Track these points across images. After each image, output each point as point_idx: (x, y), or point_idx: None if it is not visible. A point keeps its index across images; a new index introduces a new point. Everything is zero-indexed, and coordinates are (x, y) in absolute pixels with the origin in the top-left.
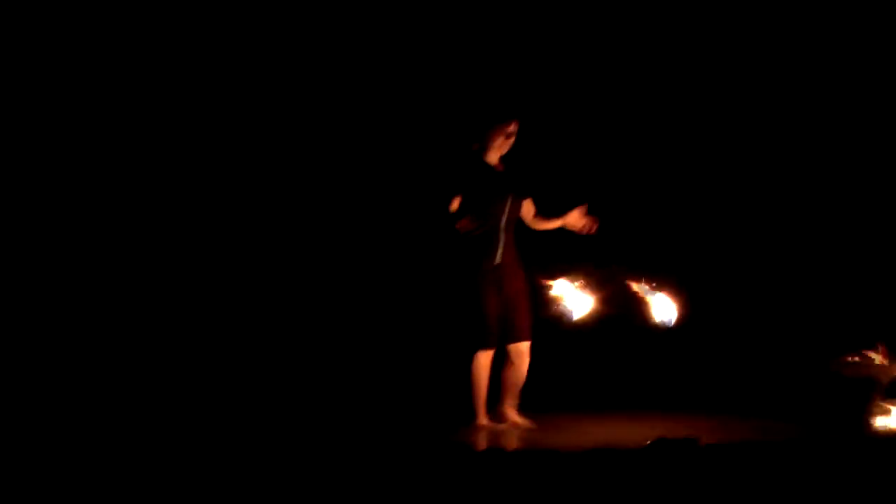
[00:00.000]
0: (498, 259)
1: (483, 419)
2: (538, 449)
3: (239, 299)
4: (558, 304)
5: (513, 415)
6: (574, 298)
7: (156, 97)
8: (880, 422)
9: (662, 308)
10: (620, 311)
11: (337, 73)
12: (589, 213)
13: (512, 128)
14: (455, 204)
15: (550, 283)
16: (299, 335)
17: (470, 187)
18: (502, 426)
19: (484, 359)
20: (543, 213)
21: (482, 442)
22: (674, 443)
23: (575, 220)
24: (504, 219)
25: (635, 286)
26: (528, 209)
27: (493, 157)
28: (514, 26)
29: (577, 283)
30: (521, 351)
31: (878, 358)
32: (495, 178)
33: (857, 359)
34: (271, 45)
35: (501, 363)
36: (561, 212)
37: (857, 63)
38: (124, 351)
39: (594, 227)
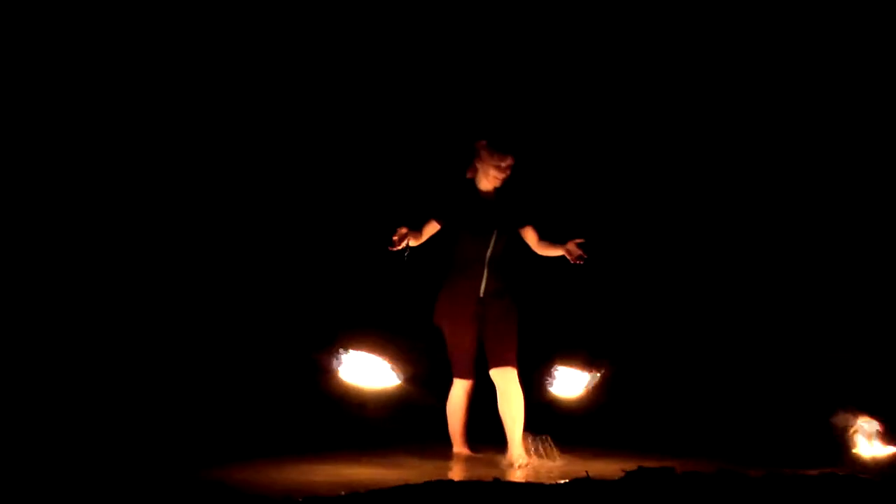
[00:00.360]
0: (481, 292)
1: (460, 447)
2: (510, 481)
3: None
4: None
5: (510, 450)
6: None
7: (152, 98)
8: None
9: (569, 382)
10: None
11: (339, 91)
12: (583, 246)
13: (507, 162)
14: (428, 228)
15: None
16: (277, 348)
17: (458, 216)
18: (480, 455)
19: (459, 388)
20: (547, 238)
21: (458, 472)
22: (652, 471)
23: (570, 249)
24: (489, 253)
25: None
26: (530, 237)
27: (486, 186)
28: (518, 58)
29: None
30: (504, 377)
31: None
32: (485, 211)
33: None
34: (268, 63)
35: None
36: (559, 239)
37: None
38: None
39: (582, 260)
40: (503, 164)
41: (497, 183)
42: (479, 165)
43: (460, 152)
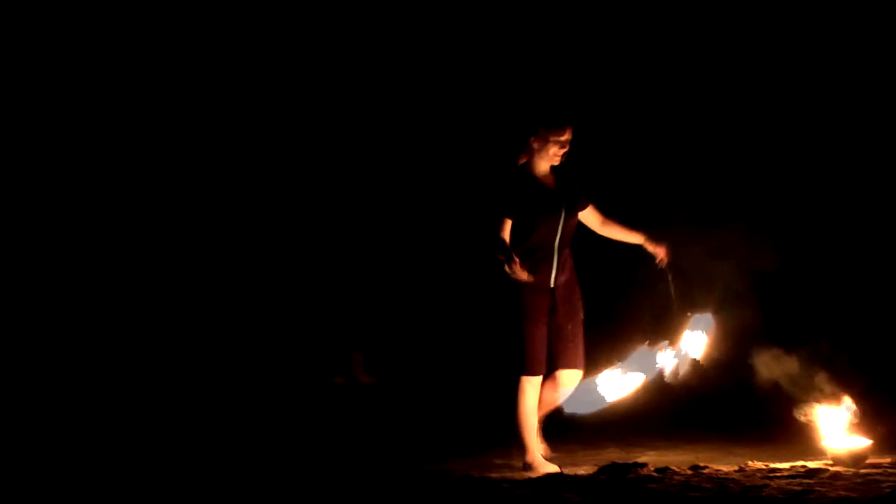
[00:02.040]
0: (552, 281)
1: (541, 450)
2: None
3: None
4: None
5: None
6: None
7: (158, 99)
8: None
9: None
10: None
11: (378, 86)
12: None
13: (567, 136)
14: (506, 229)
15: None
16: (343, 350)
17: (519, 204)
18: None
19: (534, 386)
20: (617, 218)
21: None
22: (622, 467)
23: (662, 252)
24: (558, 237)
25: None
26: (592, 217)
27: (543, 168)
28: (565, 33)
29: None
30: (574, 380)
31: None
32: (546, 194)
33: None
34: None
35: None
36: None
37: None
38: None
39: (666, 261)
40: (563, 139)
41: (557, 161)
42: (536, 146)
43: (507, 140)
